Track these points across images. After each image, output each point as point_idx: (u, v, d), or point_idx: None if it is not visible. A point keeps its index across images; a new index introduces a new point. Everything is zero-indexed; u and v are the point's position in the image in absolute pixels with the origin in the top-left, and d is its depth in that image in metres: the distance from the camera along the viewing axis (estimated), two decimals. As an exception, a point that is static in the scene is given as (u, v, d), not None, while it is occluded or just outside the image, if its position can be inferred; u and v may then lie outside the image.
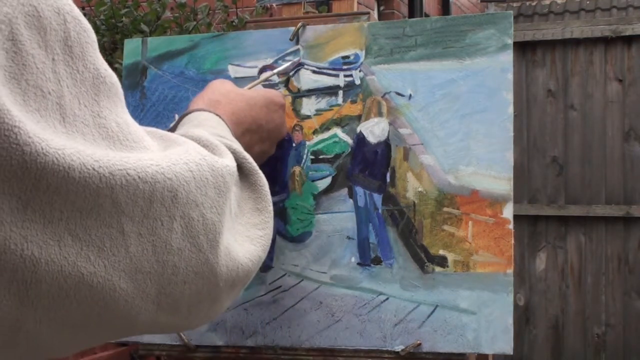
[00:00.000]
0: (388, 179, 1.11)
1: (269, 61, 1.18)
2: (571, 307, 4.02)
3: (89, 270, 0.56)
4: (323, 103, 1.15)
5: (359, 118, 1.13)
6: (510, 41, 1.09)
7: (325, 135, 1.14)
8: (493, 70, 1.08)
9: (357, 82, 1.14)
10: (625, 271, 3.96)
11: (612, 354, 3.98)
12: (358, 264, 1.10)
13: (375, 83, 1.13)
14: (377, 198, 1.11)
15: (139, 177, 0.58)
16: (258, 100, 1.04)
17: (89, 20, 2.75)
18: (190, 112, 0.94)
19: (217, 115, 0.94)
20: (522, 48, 4.05)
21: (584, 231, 4.01)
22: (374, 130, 1.12)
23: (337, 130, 1.14)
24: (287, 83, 1.17)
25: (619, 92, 3.95)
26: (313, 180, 1.14)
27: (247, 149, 0.92)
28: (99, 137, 0.57)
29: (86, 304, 0.57)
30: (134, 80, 1.23)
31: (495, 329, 1.04)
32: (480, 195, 1.07)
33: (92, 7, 2.89)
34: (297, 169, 1.14)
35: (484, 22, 1.10)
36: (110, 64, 2.44)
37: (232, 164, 0.75)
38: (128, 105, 0.64)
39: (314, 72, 1.16)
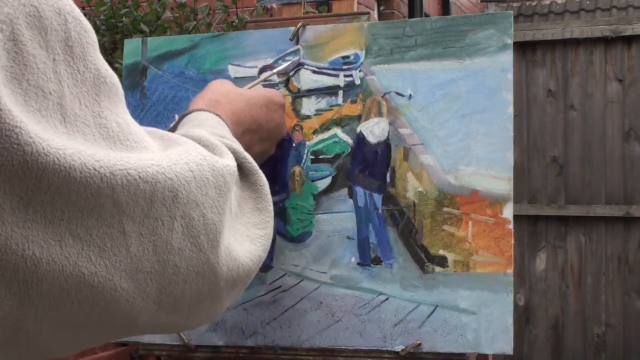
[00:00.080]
0: (388, 179, 1.11)
1: (269, 61, 1.18)
2: (571, 307, 4.03)
3: (90, 270, 0.56)
4: (323, 103, 1.15)
5: (359, 118, 1.13)
6: (510, 41, 1.09)
7: (325, 135, 1.14)
8: (493, 70, 1.09)
9: (357, 82, 1.14)
10: (625, 271, 3.96)
11: (612, 354, 3.98)
12: (358, 264, 1.10)
13: (375, 83, 1.13)
14: (377, 198, 1.11)
15: (140, 177, 0.58)
16: (258, 100, 1.04)
17: (89, 20, 2.74)
18: (190, 112, 0.95)
19: (217, 115, 0.94)
20: (522, 48, 4.05)
21: (584, 231, 4.01)
22: (374, 130, 1.12)
23: (337, 130, 1.14)
24: (287, 83, 1.17)
25: (619, 92, 3.95)
26: (313, 180, 1.14)
27: (247, 148, 0.92)
28: (100, 137, 0.57)
29: (87, 304, 0.57)
30: (134, 80, 1.23)
31: (495, 329, 1.04)
32: (480, 195, 1.07)
33: (92, 7, 2.89)
34: (297, 169, 1.14)
35: (484, 22, 1.10)
36: (110, 64, 2.44)
37: (233, 164, 0.75)
38: (128, 105, 0.64)
39: (314, 72, 1.16)
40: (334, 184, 1.13)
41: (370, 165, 1.12)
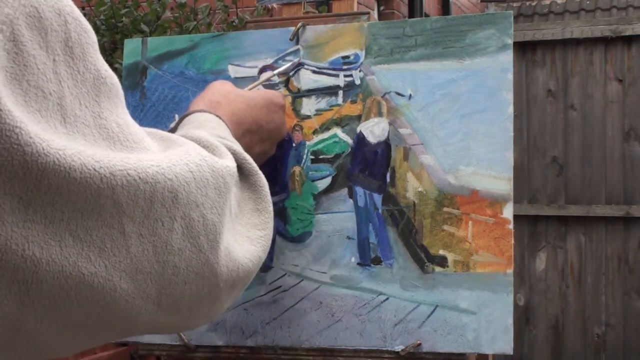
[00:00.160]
0: (388, 179, 1.11)
1: (269, 61, 1.18)
2: (571, 307, 4.03)
3: (89, 271, 0.56)
4: (323, 103, 1.15)
5: (359, 118, 1.13)
6: (510, 41, 1.09)
7: (325, 135, 1.14)
8: (493, 70, 1.09)
9: (357, 82, 1.14)
10: (625, 271, 3.96)
11: (612, 354, 3.98)
12: (358, 264, 1.10)
13: (375, 83, 1.13)
14: (377, 198, 1.11)
15: (140, 177, 0.58)
16: (258, 101, 1.04)
17: (89, 20, 2.75)
18: (190, 113, 0.95)
19: (217, 116, 0.94)
20: (522, 48, 4.05)
21: (584, 231, 4.01)
22: (374, 130, 1.12)
23: (337, 130, 1.14)
24: (287, 83, 1.17)
25: (619, 92, 3.95)
26: (313, 180, 1.14)
27: (248, 149, 0.92)
28: (100, 137, 0.57)
29: (87, 304, 0.57)
30: (134, 80, 1.23)
31: (495, 329, 1.04)
32: (480, 195, 1.07)
33: (92, 7, 2.89)
34: (297, 169, 1.14)
35: (484, 22, 1.10)
36: (110, 64, 2.44)
37: (232, 165, 0.75)
38: (128, 105, 0.64)
39: (314, 72, 1.16)
40: (334, 184, 1.13)
41: (370, 165, 1.12)
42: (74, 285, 0.55)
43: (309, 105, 1.15)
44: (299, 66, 1.16)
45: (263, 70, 1.18)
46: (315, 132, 1.15)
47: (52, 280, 0.54)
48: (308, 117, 1.15)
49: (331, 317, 1.10)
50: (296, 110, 1.16)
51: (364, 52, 1.14)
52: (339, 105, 1.14)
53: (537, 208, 4.03)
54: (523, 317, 4.06)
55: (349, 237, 1.11)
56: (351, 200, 1.12)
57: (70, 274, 0.55)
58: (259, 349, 1.13)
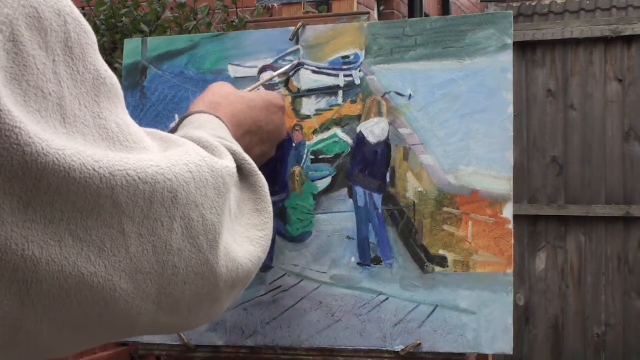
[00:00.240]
0: (388, 179, 1.11)
1: (269, 61, 1.18)
2: (571, 307, 4.03)
3: (89, 271, 0.56)
4: (323, 103, 1.15)
5: (359, 118, 1.13)
6: (510, 41, 1.09)
7: (325, 135, 1.14)
8: (493, 70, 1.09)
9: (357, 82, 1.14)
10: (625, 271, 3.96)
11: (612, 354, 3.98)
12: (358, 264, 1.10)
13: (375, 83, 1.13)
14: (377, 198, 1.11)
15: (139, 177, 0.58)
16: (258, 102, 1.04)
17: (89, 20, 2.75)
18: (190, 114, 0.95)
19: (217, 117, 0.94)
20: (522, 48, 4.05)
21: (584, 231, 4.01)
22: (374, 130, 1.12)
23: (337, 130, 1.14)
24: (287, 83, 1.17)
25: (619, 92, 3.95)
26: (313, 180, 1.14)
27: (248, 150, 0.92)
28: (100, 138, 0.57)
29: (87, 304, 0.57)
30: (134, 80, 1.23)
31: (495, 329, 1.04)
32: (480, 195, 1.07)
33: (92, 7, 2.89)
34: (297, 169, 1.14)
35: (484, 22, 1.10)
36: (110, 64, 2.44)
37: (232, 165, 0.75)
38: (128, 105, 0.65)
39: (314, 72, 1.16)
40: (334, 184, 1.13)
41: (370, 165, 1.12)
42: (73, 285, 0.55)
43: (309, 105, 1.15)
44: (298, 66, 1.16)
45: (263, 70, 1.18)
46: (315, 132, 1.15)
47: (52, 280, 0.54)
48: (308, 117, 1.15)
49: (331, 317, 1.10)
50: (296, 110, 1.16)
51: (364, 52, 1.14)
52: (339, 105, 1.14)
53: (537, 208, 4.03)
54: (523, 317, 4.06)
55: (349, 237, 1.11)
56: (351, 200, 1.12)
57: (70, 274, 0.55)
58: (259, 349, 1.13)
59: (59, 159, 0.52)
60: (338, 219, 1.12)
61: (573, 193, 4.00)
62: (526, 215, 4.01)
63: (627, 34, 3.93)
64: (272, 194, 0.90)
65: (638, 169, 3.91)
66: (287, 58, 1.17)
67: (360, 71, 1.14)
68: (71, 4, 0.57)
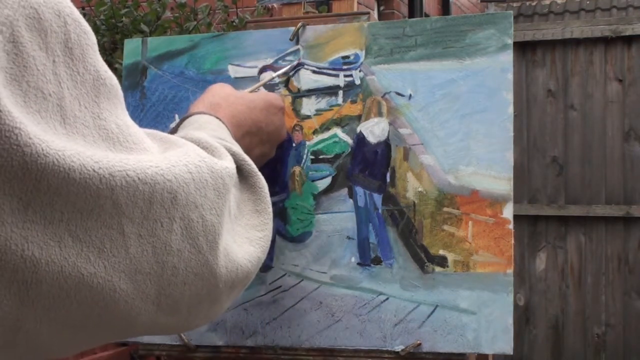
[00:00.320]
0: (388, 179, 1.11)
1: (269, 61, 1.18)
2: (571, 307, 4.03)
3: (89, 271, 0.56)
4: (323, 103, 1.15)
5: (359, 118, 1.13)
6: (510, 41, 1.09)
7: (325, 135, 1.14)
8: (493, 70, 1.09)
9: (357, 82, 1.14)
10: (625, 271, 3.96)
11: (612, 354, 3.98)
12: (358, 264, 1.10)
13: (375, 83, 1.13)
14: (377, 198, 1.11)
15: (139, 178, 0.58)
16: (258, 103, 1.04)
17: (89, 20, 2.75)
18: (190, 115, 0.95)
19: (217, 118, 0.94)
20: (522, 48, 4.05)
21: (584, 231, 4.01)
22: (374, 130, 1.12)
23: (337, 130, 1.14)
24: (287, 83, 1.17)
25: (619, 92, 3.95)
26: (313, 180, 1.14)
27: (247, 151, 0.92)
28: (99, 138, 0.57)
29: (86, 305, 0.57)
30: (134, 80, 1.23)
31: (495, 329, 1.04)
32: (480, 195, 1.07)
33: (92, 7, 2.88)
34: (297, 169, 1.14)
35: (484, 22, 1.10)
36: (110, 64, 2.44)
37: (232, 166, 0.75)
38: (128, 105, 0.65)
39: (314, 72, 1.16)
40: (334, 184, 1.13)
41: (370, 165, 1.12)
42: (73, 285, 0.55)
43: (309, 105, 1.15)
44: (298, 66, 1.16)
45: (263, 70, 1.18)
46: (315, 132, 1.15)
47: (52, 281, 0.54)
48: (308, 117, 1.15)
49: (331, 317, 1.10)
50: (296, 110, 1.16)
51: (364, 52, 1.14)
52: (339, 105, 1.14)
53: (537, 208, 4.03)
54: (523, 317, 4.06)
55: (349, 237, 1.11)
56: (351, 200, 1.12)
57: (70, 275, 0.55)
58: (259, 349, 1.13)
59: (59, 159, 0.52)
60: (338, 219, 1.12)
61: (573, 193, 4.00)
62: (526, 215, 4.01)
63: (627, 34, 3.93)
64: (272, 194, 0.90)
65: (638, 169, 3.91)
66: (287, 58, 1.17)
67: (360, 71, 1.14)
68: (71, 4, 0.57)
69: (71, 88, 0.56)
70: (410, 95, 1.11)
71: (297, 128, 1.15)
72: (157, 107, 1.22)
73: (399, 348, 1.07)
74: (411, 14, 5.14)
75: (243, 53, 1.19)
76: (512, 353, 1.04)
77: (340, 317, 1.10)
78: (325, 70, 1.15)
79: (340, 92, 1.14)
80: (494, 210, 1.06)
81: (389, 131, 1.12)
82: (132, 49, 1.25)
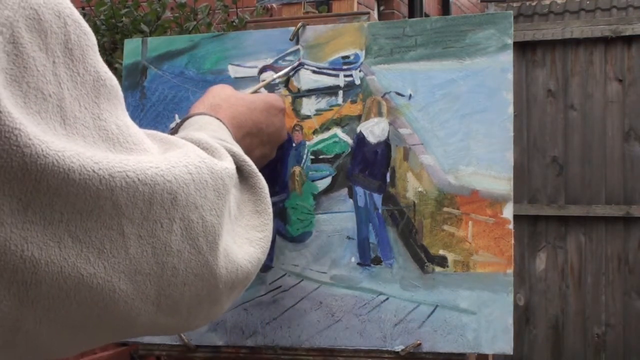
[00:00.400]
0: (388, 179, 1.11)
1: (269, 61, 1.18)
2: (571, 307, 4.02)
3: (88, 272, 0.56)
4: (323, 103, 1.15)
5: (359, 118, 1.13)
6: (510, 41, 1.09)
7: (325, 135, 1.14)
8: (493, 70, 1.09)
9: (357, 82, 1.14)
10: (625, 271, 3.96)
11: (612, 354, 3.98)
12: (358, 264, 1.10)
13: (375, 83, 1.13)
14: (377, 198, 1.11)
15: (139, 179, 0.58)
16: (258, 104, 1.04)
17: (89, 20, 2.75)
18: (191, 116, 0.95)
19: (218, 119, 0.95)
20: (522, 48, 4.05)
21: (584, 231, 4.01)
22: (374, 130, 1.12)
23: (337, 130, 1.14)
24: (287, 83, 1.17)
25: (619, 92, 3.95)
26: (313, 180, 1.14)
27: (248, 152, 0.92)
28: (99, 139, 0.57)
29: (86, 305, 0.57)
30: (134, 80, 1.23)
31: (495, 329, 1.04)
32: (480, 195, 1.07)
33: (92, 7, 2.88)
34: (297, 169, 1.14)
35: (484, 22, 1.10)
36: (110, 64, 2.44)
37: (232, 167, 0.75)
38: (128, 105, 0.65)
39: (314, 72, 1.16)
40: (334, 184, 1.13)
41: (370, 165, 1.12)
42: (73, 286, 0.55)
43: (309, 105, 1.15)
44: (299, 66, 1.16)
45: (263, 70, 1.18)
46: (315, 132, 1.15)
47: (51, 281, 0.54)
48: (308, 117, 1.15)
49: (331, 317, 1.10)
50: (296, 110, 1.16)
51: (364, 52, 1.14)
52: (339, 105, 1.14)
53: (537, 208, 4.03)
54: (523, 317, 4.06)
55: (349, 237, 1.11)
56: (351, 200, 1.12)
57: (69, 275, 0.55)
58: (259, 349, 1.13)
59: (59, 160, 0.52)
60: (338, 219, 1.12)
61: (573, 193, 4.00)
62: (526, 215, 4.01)
63: (627, 34, 3.93)
64: (272, 194, 0.90)
65: (638, 169, 3.91)
66: (287, 58, 1.17)
67: (360, 71, 1.14)
68: (71, 5, 0.57)
69: (71, 89, 0.56)
70: (410, 95, 1.11)
71: (297, 128, 1.15)
72: (157, 107, 1.22)
73: (399, 348, 1.07)
74: (411, 14, 5.14)
75: (243, 53, 1.19)
76: (512, 353, 1.04)
77: (340, 317, 1.10)
78: (325, 70, 1.15)
79: (340, 92, 1.14)
80: (494, 210, 1.06)
81: (389, 131, 1.12)
82: (132, 49, 1.25)
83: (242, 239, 0.80)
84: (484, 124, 1.08)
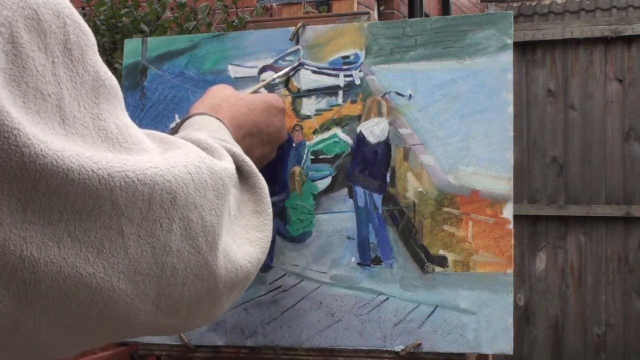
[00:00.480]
0: (388, 179, 1.11)
1: (269, 61, 1.18)
2: (571, 307, 4.02)
3: (88, 272, 0.56)
4: (323, 103, 1.15)
5: (359, 118, 1.13)
6: (510, 41, 1.09)
7: (325, 135, 1.14)
8: (493, 70, 1.08)
9: (357, 82, 1.14)
10: (625, 271, 3.96)
11: (612, 354, 3.98)
12: (358, 264, 1.10)
13: (375, 83, 1.13)
14: (377, 198, 1.11)
15: (138, 179, 0.58)
16: (258, 104, 1.04)
17: (89, 20, 2.75)
18: (191, 116, 0.95)
19: (218, 119, 0.95)
20: (522, 48, 4.05)
21: (584, 231, 4.01)
22: (374, 130, 1.12)
23: (337, 130, 1.14)
24: (287, 83, 1.17)
25: (619, 92, 3.95)
26: (313, 180, 1.14)
27: (248, 152, 0.92)
28: (99, 139, 0.57)
29: (85, 305, 0.57)
30: (134, 80, 1.23)
31: (495, 329, 1.04)
32: (480, 195, 1.07)
33: (92, 7, 2.88)
34: (297, 169, 1.14)
35: (484, 22, 1.10)
36: (110, 64, 2.44)
37: (231, 167, 0.75)
38: (128, 105, 0.65)
39: (314, 72, 1.16)
40: (334, 184, 1.13)
41: (370, 165, 1.12)
42: (72, 285, 0.55)
43: (309, 105, 1.15)
44: (299, 66, 1.16)
45: (263, 70, 1.18)
46: (315, 132, 1.15)
47: (51, 281, 0.54)
48: (308, 117, 1.15)
49: (331, 317, 1.10)
50: (296, 110, 1.16)
51: (364, 52, 1.14)
52: (339, 105, 1.14)
53: (537, 208, 4.03)
54: (523, 317, 4.06)
55: (349, 237, 1.11)
56: (351, 200, 1.12)
57: (69, 275, 0.55)
58: (259, 349, 1.12)
59: (58, 160, 0.52)
60: (338, 219, 1.12)
61: (573, 193, 4.00)
62: (526, 215, 4.01)
63: (627, 34, 3.93)
64: (272, 194, 0.90)
65: (638, 169, 3.91)
66: (287, 58, 1.17)
67: (360, 71, 1.14)
68: (70, 5, 0.57)
69: (70, 89, 0.56)
70: (410, 95, 1.11)
71: (297, 128, 1.15)
72: (157, 107, 1.22)
73: (399, 348, 1.07)
74: (411, 14, 5.14)
75: (243, 53, 1.19)
76: (512, 353, 1.04)
77: (340, 317, 1.10)
78: (325, 70, 1.15)
79: (340, 92, 1.14)
80: (494, 210, 1.06)
81: (389, 131, 1.11)
82: (132, 49, 1.25)
83: (242, 239, 0.80)
84: (484, 124, 1.08)
